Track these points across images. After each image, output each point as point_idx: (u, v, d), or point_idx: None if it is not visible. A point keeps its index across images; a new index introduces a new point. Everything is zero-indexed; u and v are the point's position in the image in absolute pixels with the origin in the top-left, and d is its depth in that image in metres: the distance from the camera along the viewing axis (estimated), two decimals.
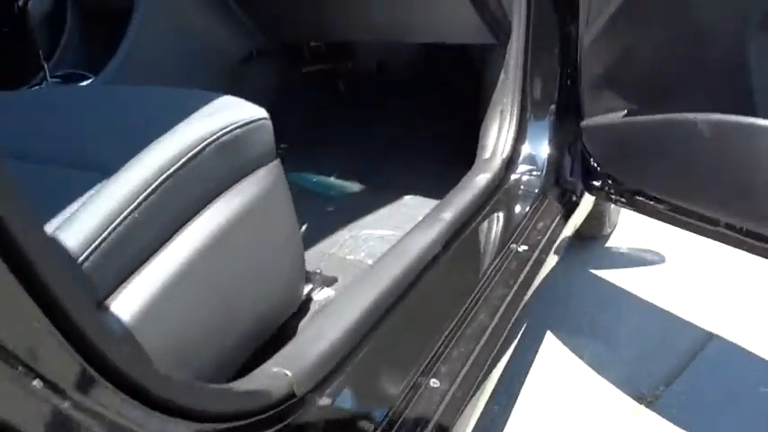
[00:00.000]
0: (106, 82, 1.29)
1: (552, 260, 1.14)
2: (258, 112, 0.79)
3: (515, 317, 0.92)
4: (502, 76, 1.25)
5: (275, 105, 1.69)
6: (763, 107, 0.84)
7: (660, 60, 0.98)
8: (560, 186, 1.28)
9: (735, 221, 0.93)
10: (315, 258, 1.15)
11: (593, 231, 1.79)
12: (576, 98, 1.16)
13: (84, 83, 1.26)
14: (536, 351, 1.47)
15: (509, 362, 1.01)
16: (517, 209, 1.18)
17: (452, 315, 0.87)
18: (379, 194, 1.42)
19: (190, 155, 0.68)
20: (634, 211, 1.18)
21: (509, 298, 0.94)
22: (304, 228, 1.29)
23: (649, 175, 1.06)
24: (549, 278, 1.18)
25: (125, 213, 0.61)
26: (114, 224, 0.60)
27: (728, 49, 0.88)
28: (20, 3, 1.28)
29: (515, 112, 1.24)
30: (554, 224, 1.19)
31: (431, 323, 0.87)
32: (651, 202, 1.07)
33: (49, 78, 1.26)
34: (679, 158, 0.97)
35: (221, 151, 0.72)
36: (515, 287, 0.97)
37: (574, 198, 1.29)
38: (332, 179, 1.52)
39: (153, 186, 0.63)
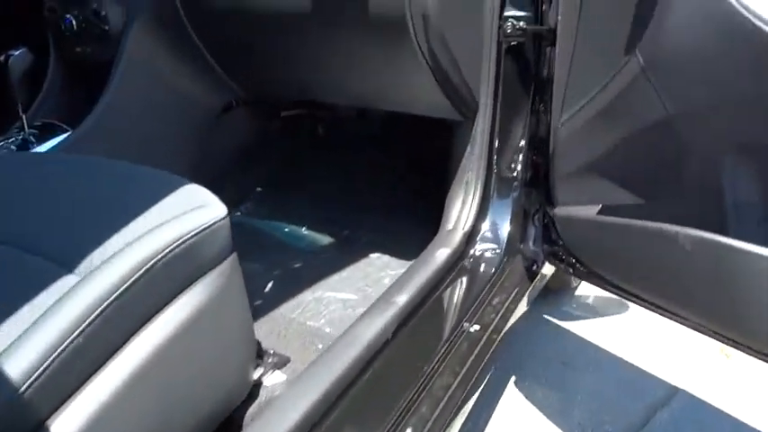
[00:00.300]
0: (85, 134, 1.31)
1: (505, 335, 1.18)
2: (218, 210, 0.80)
3: (457, 406, 0.96)
4: (468, 149, 1.29)
5: (253, 149, 1.74)
6: (734, 228, 0.90)
7: (639, 162, 1.03)
8: (520, 260, 1.32)
9: (718, 330, 0.97)
10: (276, 324, 1.19)
11: (561, 285, 1.84)
12: (545, 180, 1.20)
13: (60, 137, 1.28)
14: (497, 401, 1.51)
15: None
16: (474, 285, 1.22)
17: (398, 406, 0.91)
18: (349, 250, 1.46)
19: (144, 269, 0.70)
20: (601, 288, 1.23)
21: (454, 386, 0.98)
22: (270, 286, 1.34)
23: (622, 272, 1.11)
24: (514, 327, 1.23)
25: (73, 336, 0.63)
26: (62, 347, 0.62)
27: (706, 164, 0.93)
28: (0, 59, 1.31)
29: (479, 186, 1.28)
30: (510, 299, 1.23)
31: (378, 415, 0.90)
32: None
33: (26, 129, 1.29)
34: (657, 265, 1.01)
35: (177, 261, 0.73)
36: (462, 373, 1.01)
37: (535, 268, 1.33)
38: (303, 230, 1.56)
39: (102, 307, 0.66)
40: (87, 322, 0.65)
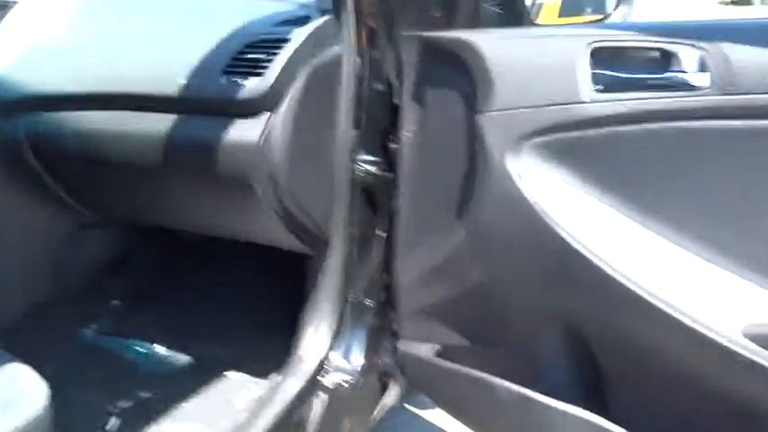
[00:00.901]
0: None
1: None
2: (37, 402, 0.74)
3: None
4: (320, 278, 1.33)
5: (108, 265, 1.68)
6: (544, 384, 1.01)
7: (470, 314, 1.11)
8: (376, 376, 1.36)
9: None
10: None
11: None
12: (392, 317, 1.26)
13: None
14: None
15: None
16: (327, 413, 1.24)
17: None
18: (206, 370, 1.43)
19: None
20: None
21: None
22: (111, 424, 1.27)
23: (454, 409, 1.21)
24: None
25: None
26: None
27: (520, 325, 1.04)
28: None
29: (334, 316, 1.31)
30: (364, 416, 1.26)
31: None
32: None
33: None
34: (479, 410, 1.12)
35: None
36: None
37: (389, 381, 1.37)
38: (158, 350, 1.51)
39: None
40: None
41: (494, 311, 1.04)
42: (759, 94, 0.77)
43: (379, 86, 1.18)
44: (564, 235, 0.89)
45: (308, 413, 1.22)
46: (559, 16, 1.80)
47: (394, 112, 1.17)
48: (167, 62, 1.30)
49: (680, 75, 0.84)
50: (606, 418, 0.95)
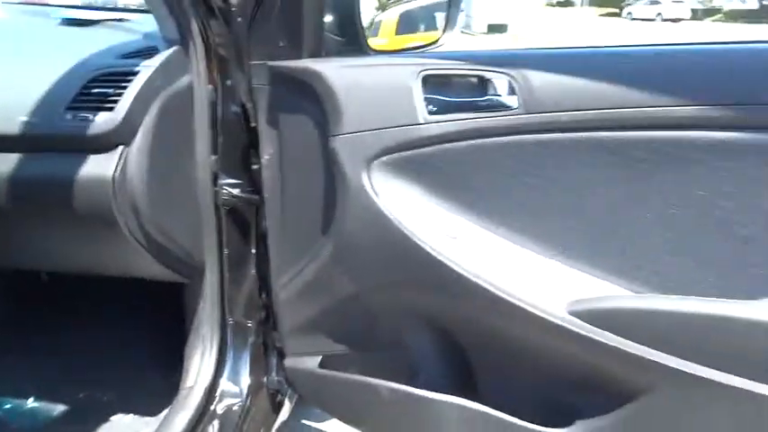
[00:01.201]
0: None
1: None
2: None
3: None
4: (201, 304, 1.33)
5: None
6: (421, 379, 1.10)
7: (350, 324, 1.17)
8: (265, 395, 1.38)
9: None
10: None
11: None
12: (274, 329, 1.29)
13: None
14: None
15: None
16: None
17: None
18: (83, 419, 1.38)
19: None
20: None
21: None
22: None
23: (344, 414, 1.27)
24: None
25: None
26: None
27: (395, 327, 1.12)
28: None
29: (216, 338, 1.32)
30: None
31: None
32: None
33: None
34: (367, 411, 1.18)
35: None
36: None
37: (279, 398, 1.40)
38: (29, 403, 1.42)
39: None
40: None
41: (368, 318, 1.12)
42: (556, 113, 0.91)
43: (235, 111, 1.21)
44: (417, 241, 0.99)
45: None
46: (397, 34, 1.93)
47: (253, 135, 1.21)
48: (5, 101, 1.24)
49: (495, 97, 0.97)
50: (478, 401, 1.05)
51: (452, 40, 1.50)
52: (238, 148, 1.24)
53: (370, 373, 1.13)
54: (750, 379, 0.84)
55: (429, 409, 1.06)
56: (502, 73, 0.96)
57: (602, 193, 0.92)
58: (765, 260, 0.83)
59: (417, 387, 1.08)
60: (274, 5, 1.09)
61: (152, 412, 1.37)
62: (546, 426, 1.01)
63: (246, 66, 1.15)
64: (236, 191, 1.25)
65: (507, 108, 0.95)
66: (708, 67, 0.92)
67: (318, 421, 1.94)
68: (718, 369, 0.84)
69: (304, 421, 1.92)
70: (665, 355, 0.85)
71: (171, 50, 1.21)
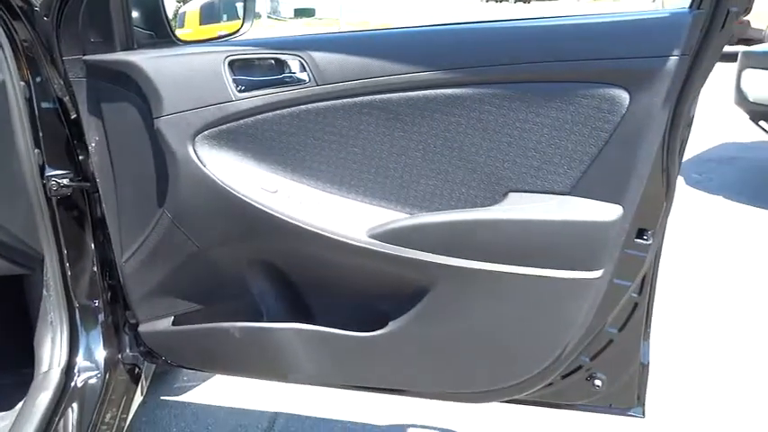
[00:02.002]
0: None
1: None
2: None
3: None
4: (44, 293, 1.39)
5: None
6: (264, 314, 1.29)
7: (198, 282, 1.33)
8: (122, 370, 1.49)
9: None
10: None
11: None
12: (124, 302, 1.40)
13: None
14: None
15: None
16: (84, 414, 1.34)
17: None
18: None
19: None
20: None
21: None
22: None
23: (205, 360, 1.43)
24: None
25: None
26: None
27: (236, 275, 1.30)
28: None
29: (65, 322, 1.40)
30: (121, 409, 1.39)
31: None
32: None
33: None
34: (224, 350, 1.36)
35: None
36: None
37: (137, 371, 1.52)
38: None
39: None
40: None
41: (211, 273, 1.29)
42: (339, 83, 1.15)
43: (52, 106, 1.29)
44: (244, 198, 1.18)
45: (67, 419, 1.31)
46: (200, 24, 2.06)
47: (75, 126, 1.30)
48: None
49: (291, 75, 1.19)
50: (312, 323, 1.28)
51: (263, 26, 1.68)
52: (61, 139, 1.32)
53: (220, 321, 1.31)
54: (500, 263, 1.16)
55: (274, 338, 1.28)
56: (293, 55, 1.17)
57: (381, 141, 1.18)
58: (489, 178, 1.15)
59: (264, 322, 1.28)
60: (80, 4, 1.20)
61: (6, 406, 1.42)
62: (368, 332, 1.26)
63: (59, 62, 1.24)
64: (64, 181, 1.33)
65: (302, 82, 1.17)
66: (448, 42, 1.21)
67: (179, 396, 2.06)
68: (476, 260, 1.15)
69: (169, 397, 2.03)
70: (438, 255, 1.15)
71: None
